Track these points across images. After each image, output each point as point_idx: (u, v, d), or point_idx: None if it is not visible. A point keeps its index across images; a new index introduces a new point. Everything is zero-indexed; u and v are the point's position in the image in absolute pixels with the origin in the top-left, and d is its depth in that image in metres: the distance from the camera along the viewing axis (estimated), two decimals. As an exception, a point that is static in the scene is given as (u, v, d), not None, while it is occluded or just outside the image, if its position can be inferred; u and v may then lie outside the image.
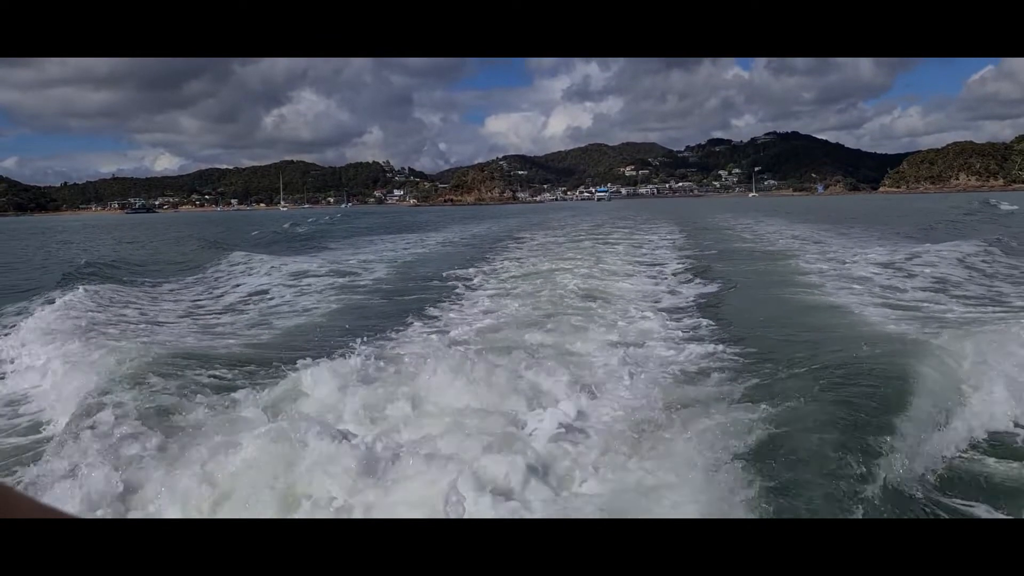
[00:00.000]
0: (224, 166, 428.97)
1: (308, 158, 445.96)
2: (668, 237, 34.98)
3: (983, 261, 20.57)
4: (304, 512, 5.36)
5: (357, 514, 5.31)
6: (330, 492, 5.54)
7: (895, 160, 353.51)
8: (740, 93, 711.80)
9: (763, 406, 7.42)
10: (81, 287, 17.95)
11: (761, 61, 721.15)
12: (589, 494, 5.66)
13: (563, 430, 6.70)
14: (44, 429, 8.11)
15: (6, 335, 13.19)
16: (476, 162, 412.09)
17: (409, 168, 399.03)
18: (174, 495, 5.53)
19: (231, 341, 12.11)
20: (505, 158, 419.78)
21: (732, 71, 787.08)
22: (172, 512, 5.38)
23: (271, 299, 18.06)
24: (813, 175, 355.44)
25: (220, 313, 16.08)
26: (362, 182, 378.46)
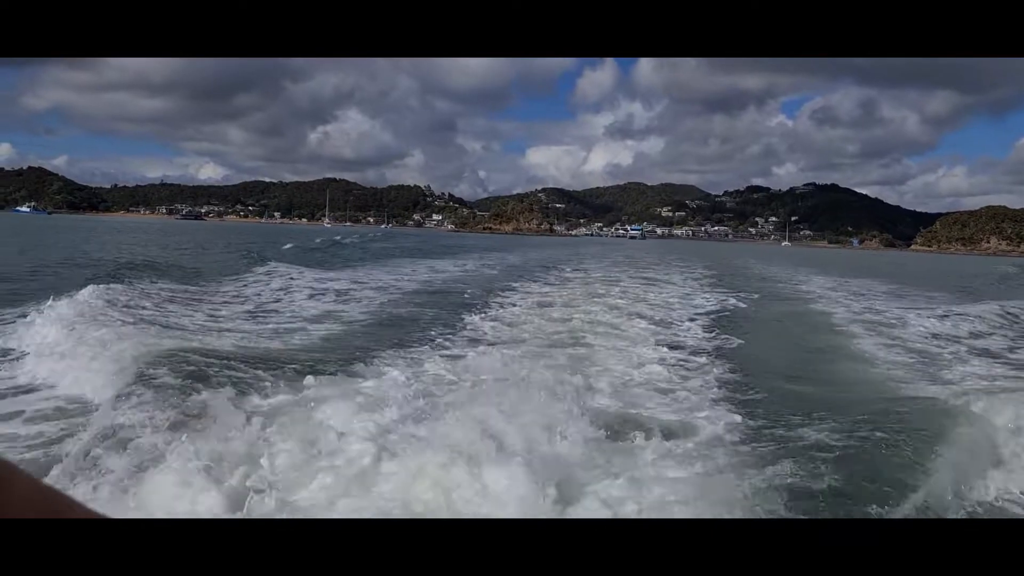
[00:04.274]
0: (267, 179, 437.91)
1: (349, 176, 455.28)
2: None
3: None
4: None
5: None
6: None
7: (933, 220, 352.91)
8: (783, 141, 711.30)
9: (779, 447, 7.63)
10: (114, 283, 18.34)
11: (806, 111, 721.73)
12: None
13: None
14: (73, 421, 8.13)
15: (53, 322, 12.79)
16: (514, 192, 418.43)
17: (449, 194, 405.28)
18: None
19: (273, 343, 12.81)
20: (544, 190, 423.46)
21: (776, 119, 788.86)
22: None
23: (314, 306, 18.84)
24: (850, 228, 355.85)
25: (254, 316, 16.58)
26: (402, 204, 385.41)
